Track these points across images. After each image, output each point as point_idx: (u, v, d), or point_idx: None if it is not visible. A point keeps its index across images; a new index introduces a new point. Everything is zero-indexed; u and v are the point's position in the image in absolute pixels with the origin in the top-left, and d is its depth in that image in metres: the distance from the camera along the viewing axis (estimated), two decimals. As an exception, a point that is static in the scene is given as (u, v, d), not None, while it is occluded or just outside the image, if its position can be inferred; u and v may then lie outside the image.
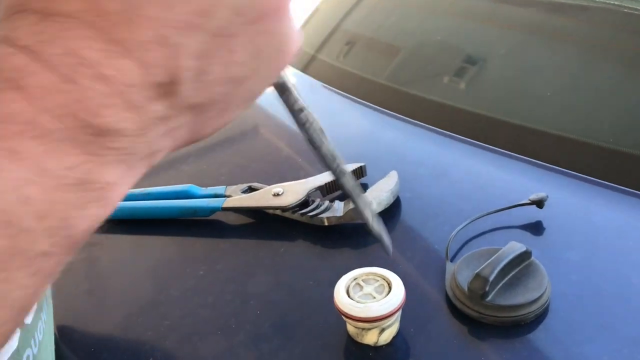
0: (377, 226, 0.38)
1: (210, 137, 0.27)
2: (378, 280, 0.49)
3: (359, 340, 0.49)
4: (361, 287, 0.49)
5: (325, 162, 0.34)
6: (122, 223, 0.70)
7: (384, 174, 0.67)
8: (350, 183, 0.36)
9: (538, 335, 0.47)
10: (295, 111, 0.32)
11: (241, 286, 0.57)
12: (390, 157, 0.77)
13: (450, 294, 0.51)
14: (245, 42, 0.23)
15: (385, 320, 0.47)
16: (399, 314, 0.48)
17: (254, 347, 0.50)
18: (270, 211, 0.67)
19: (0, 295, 0.20)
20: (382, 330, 0.48)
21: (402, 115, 0.88)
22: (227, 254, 0.63)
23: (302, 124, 0.32)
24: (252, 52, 0.24)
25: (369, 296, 0.48)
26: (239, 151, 0.85)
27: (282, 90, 0.31)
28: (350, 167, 0.70)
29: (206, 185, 0.73)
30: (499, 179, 0.70)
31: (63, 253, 0.21)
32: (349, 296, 0.48)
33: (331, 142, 0.34)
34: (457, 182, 0.70)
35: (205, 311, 0.55)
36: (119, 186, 0.22)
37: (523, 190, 0.62)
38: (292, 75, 0.39)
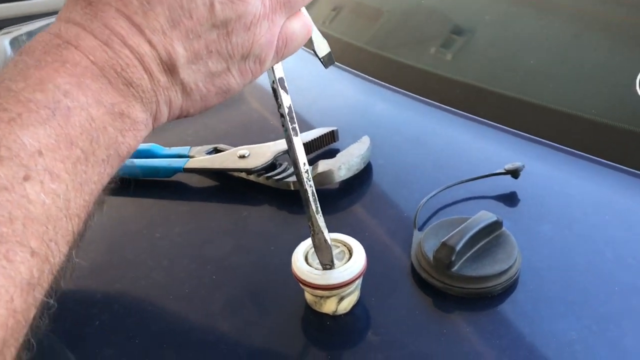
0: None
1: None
2: (338, 247, 0.46)
3: (317, 309, 0.46)
4: None
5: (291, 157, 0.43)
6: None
7: (356, 140, 0.64)
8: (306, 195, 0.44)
9: (505, 309, 0.45)
10: (280, 114, 0.41)
11: (198, 250, 0.55)
12: (364, 123, 0.74)
13: (415, 263, 0.49)
14: (219, 47, 0.34)
15: (345, 288, 0.44)
16: (359, 282, 0.45)
17: (206, 313, 0.47)
18: (235, 174, 0.64)
19: (83, 181, 0.29)
20: (342, 298, 0.45)
21: (380, 80, 0.84)
22: (187, 217, 0.60)
23: (282, 125, 0.42)
24: (224, 55, 0.34)
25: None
26: (208, 111, 0.82)
27: (274, 95, 0.41)
28: (320, 131, 0.67)
29: (170, 145, 0.70)
30: (476, 148, 0.67)
31: (114, 166, 0.32)
32: (307, 263, 0.45)
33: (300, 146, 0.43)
34: (432, 150, 0.67)
35: (158, 275, 0.52)
36: (142, 126, 0.32)
37: (499, 160, 0.60)
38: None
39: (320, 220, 0.43)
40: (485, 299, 0.45)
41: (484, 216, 0.49)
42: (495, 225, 0.49)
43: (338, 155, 0.61)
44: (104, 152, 0.30)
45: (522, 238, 0.49)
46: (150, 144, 0.68)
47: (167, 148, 0.69)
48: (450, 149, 0.67)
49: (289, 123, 0.41)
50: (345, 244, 0.46)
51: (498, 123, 0.69)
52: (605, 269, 0.47)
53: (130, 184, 0.62)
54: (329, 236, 0.44)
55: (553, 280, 0.47)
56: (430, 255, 0.47)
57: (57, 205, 0.28)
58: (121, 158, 0.32)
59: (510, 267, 0.46)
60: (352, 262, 0.44)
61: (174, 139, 0.71)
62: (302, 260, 0.45)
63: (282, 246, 0.54)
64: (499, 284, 0.45)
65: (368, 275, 0.46)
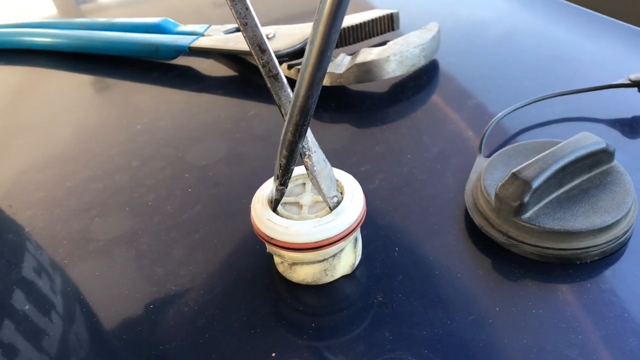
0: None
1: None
2: (297, 180, 0.31)
3: (327, 279, 0.30)
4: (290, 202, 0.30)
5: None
6: (73, 55, 0.55)
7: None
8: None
9: (600, 287, 0.28)
10: None
11: (182, 152, 0.41)
12: (437, 7, 0.55)
13: (469, 203, 0.33)
14: None
15: (359, 225, 0.29)
16: None
17: (164, 233, 0.34)
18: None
19: None
20: (356, 240, 0.30)
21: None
22: (180, 109, 0.46)
23: None
24: None
25: (301, 207, 0.29)
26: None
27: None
28: (372, 14, 0.50)
29: (189, 23, 0.55)
30: (591, 51, 0.47)
31: None
32: (282, 216, 0.28)
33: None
34: (526, 51, 0.48)
35: (122, 177, 0.39)
36: None
37: (623, 67, 0.41)
38: None
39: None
40: (570, 267, 0.29)
41: (586, 139, 0.31)
42: (602, 156, 0.31)
43: (390, 43, 0.45)
44: None
45: (643, 180, 0.32)
46: (161, 18, 0.54)
47: (182, 25, 0.55)
48: (553, 50, 0.48)
49: None
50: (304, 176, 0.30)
51: (619, 18, 0.49)
52: None
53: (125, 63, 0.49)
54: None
55: (687, 251, 0.29)
56: (492, 193, 0.31)
57: None
58: None
59: (619, 221, 0.29)
60: (348, 185, 0.29)
61: (195, 16, 0.57)
62: (278, 217, 0.28)
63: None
64: (595, 247, 0.28)
65: (397, 218, 0.30)
